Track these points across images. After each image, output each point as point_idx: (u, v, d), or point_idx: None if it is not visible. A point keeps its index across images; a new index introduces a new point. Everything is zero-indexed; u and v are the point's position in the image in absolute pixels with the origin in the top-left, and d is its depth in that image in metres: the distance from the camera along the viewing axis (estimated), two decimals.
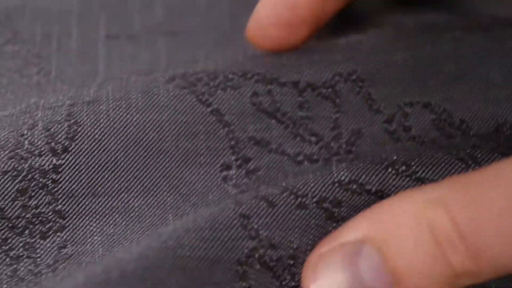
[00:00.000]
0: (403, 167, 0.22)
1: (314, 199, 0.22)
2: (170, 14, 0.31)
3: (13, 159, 0.22)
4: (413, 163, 0.22)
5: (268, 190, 0.22)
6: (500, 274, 0.18)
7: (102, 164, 0.23)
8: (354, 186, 0.22)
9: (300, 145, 0.24)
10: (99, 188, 0.23)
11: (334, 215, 0.22)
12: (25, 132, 0.22)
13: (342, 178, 0.22)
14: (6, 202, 0.22)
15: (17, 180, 0.22)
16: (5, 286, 0.22)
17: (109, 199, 0.23)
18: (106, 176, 0.23)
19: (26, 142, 0.22)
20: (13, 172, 0.22)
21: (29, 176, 0.22)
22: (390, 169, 0.22)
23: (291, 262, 0.21)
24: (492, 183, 0.18)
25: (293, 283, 0.21)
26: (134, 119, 0.23)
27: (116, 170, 0.23)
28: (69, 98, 0.23)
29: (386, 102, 0.25)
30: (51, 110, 0.22)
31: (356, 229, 0.19)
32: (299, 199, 0.22)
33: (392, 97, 0.25)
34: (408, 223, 0.18)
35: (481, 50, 0.26)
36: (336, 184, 0.22)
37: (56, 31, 0.28)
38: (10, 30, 0.29)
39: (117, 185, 0.23)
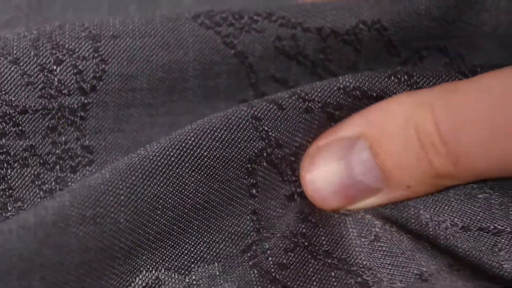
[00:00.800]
0: (405, 77, 0.23)
1: (319, 104, 0.23)
2: None
3: (44, 98, 0.23)
4: (415, 74, 0.23)
5: (278, 94, 0.23)
6: (477, 179, 0.19)
7: (128, 101, 0.24)
8: (357, 92, 0.23)
9: (316, 81, 0.25)
10: (125, 124, 0.24)
11: (335, 118, 0.23)
12: (54, 67, 0.23)
13: (347, 84, 0.23)
14: (37, 139, 0.23)
15: (47, 118, 0.24)
16: None
17: (134, 134, 0.24)
18: (131, 113, 0.24)
19: (56, 80, 0.23)
20: (43, 111, 0.23)
21: (59, 114, 0.24)
22: (392, 78, 0.23)
23: (293, 159, 0.23)
24: (477, 94, 0.19)
25: (293, 178, 0.23)
26: (160, 58, 0.24)
27: (142, 107, 0.24)
28: (95, 27, 0.24)
29: (405, 47, 0.26)
30: (77, 40, 0.24)
31: (352, 126, 0.21)
32: (306, 103, 0.23)
33: (412, 42, 0.26)
34: (398, 124, 0.20)
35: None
36: (341, 90, 0.23)
37: (86, 19, 0.30)
38: (41, 16, 0.31)
39: (142, 120, 0.24)
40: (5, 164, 0.23)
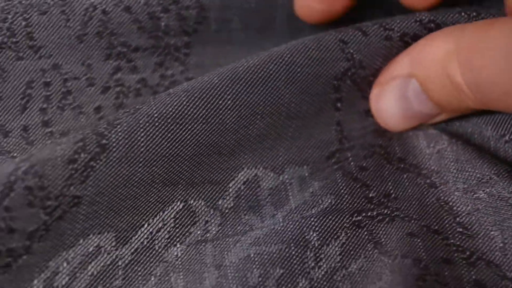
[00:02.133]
0: (474, 13, 0.25)
1: (398, 33, 0.26)
2: None
3: (152, 39, 0.27)
4: (482, 12, 0.25)
5: (362, 23, 0.25)
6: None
7: (225, 40, 0.28)
8: (432, 25, 0.25)
9: None
10: (222, 59, 0.28)
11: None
12: (161, 15, 0.27)
13: (423, 18, 0.26)
14: (148, 73, 0.27)
15: (155, 55, 0.27)
16: None
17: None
18: (228, 49, 0.28)
19: (162, 25, 0.27)
20: (152, 49, 0.27)
21: (166, 51, 0.27)
22: (463, 14, 0.25)
23: (372, 79, 0.26)
24: (494, 32, 0.21)
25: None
26: (252, 5, 0.28)
27: (236, 44, 0.28)
28: None
29: None
30: None
31: (402, 66, 0.24)
32: (387, 32, 0.26)
33: None
34: (436, 71, 0.23)
35: None
36: (418, 23, 0.25)
37: None
38: None
39: (237, 56, 0.28)
40: (121, 95, 0.27)
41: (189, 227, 0.24)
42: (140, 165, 0.23)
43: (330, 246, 0.23)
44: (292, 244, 0.23)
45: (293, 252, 0.23)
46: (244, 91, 0.24)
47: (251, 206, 0.25)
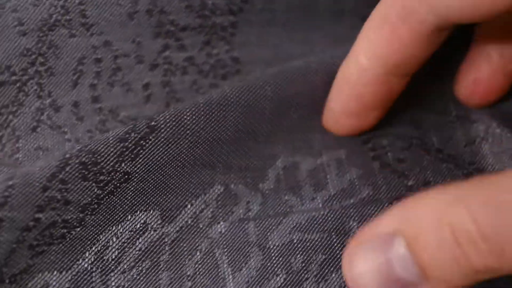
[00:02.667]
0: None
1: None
2: None
3: (200, 18, 0.28)
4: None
5: None
6: None
7: (269, 20, 0.28)
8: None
9: None
10: (266, 39, 0.28)
11: None
12: None
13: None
14: (195, 51, 0.28)
15: (202, 34, 0.28)
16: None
17: (274, 48, 0.28)
18: (272, 30, 0.28)
19: (210, 3, 0.28)
20: (199, 28, 0.28)
21: (212, 30, 0.28)
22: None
23: None
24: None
25: None
26: None
27: (280, 25, 0.28)
28: None
29: None
30: None
31: (388, 223, 0.21)
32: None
33: None
34: (431, 223, 0.19)
35: None
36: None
37: None
38: None
39: (280, 36, 0.28)
40: (169, 72, 0.27)
41: (231, 207, 0.25)
42: (185, 146, 0.24)
43: None
44: (333, 233, 0.24)
45: (335, 240, 0.24)
46: (283, 83, 0.25)
47: (291, 187, 0.25)
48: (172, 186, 0.24)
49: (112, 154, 0.23)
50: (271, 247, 0.24)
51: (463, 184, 0.19)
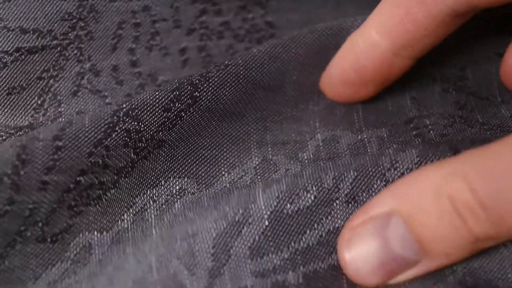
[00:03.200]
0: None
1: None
2: None
3: None
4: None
5: None
6: None
7: None
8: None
9: None
10: (301, 5, 0.29)
11: None
12: None
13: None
14: (230, 16, 0.28)
15: None
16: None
17: (307, 13, 0.29)
18: None
19: None
20: None
21: None
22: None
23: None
24: (509, 153, 0.19)
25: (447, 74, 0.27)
26: None
27: None
28: None
29: None
30: None
31: (383, 203, 0.21)
32: None
33: None
34: (430, 196, 0.20)
35: None
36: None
37: None
38: None
39: (314, 1, 0.29)
40: (204, 37, 0.28)
41: (270, 174, 0.25)
42: (220, 119, 0.25)
43: (407, 151, 0.23)
44: (367, 155, 0.23)
45: (368, 160, 0.23)
46: (308, 70, 0.26)
47: (330, 157, 0.25)
48: (207, 156, 0.25)
49: (155, 123, 0.24)
50: (304, 159, 0.24)
51: (460, 157, 0.20)
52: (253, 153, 0.26)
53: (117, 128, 0.23)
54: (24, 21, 0.27)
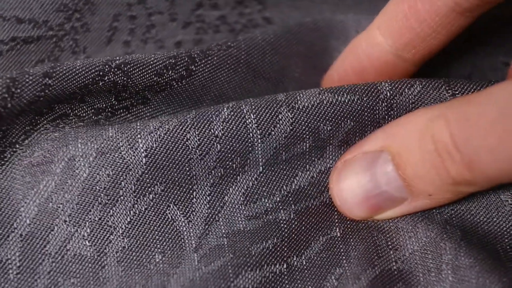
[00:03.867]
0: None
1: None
2: None
3: None
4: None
5: None
6: (494, 184, 0.20)
7: None
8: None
9: None
10: (299, 2, 0.28)
11: None
12: None
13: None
14: (227, 10, 0.28)
15: None
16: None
17: (306, 9, 0.28)
18: None
19: None
20: None
21: None
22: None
23: None
24: (487, 104, 0.19)
25: None
26: None
27: None
28: None
29: None
30: None
31: (375, 141, 0.22)
32: None
33: None
34: (416, 136, 0.20)
35: None
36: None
37: None
38: None
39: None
40: (201, 30, 0.28)
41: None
42: (214, 99, 0.25)
43: (404, 94, 0.23)
44: (364, 95, 0.23)
45: (365, 104, 0.22)
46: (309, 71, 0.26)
47: None
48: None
49: (142, 83, 0.24)
50: (301, 107, 0.22)
51: (448, 102, 0.21)
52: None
53: (105, 78, 0.23)
54: (20, 11, 0.27)
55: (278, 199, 0.22)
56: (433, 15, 0.23)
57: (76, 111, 0.24)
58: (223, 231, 0.22)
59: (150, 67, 0.23)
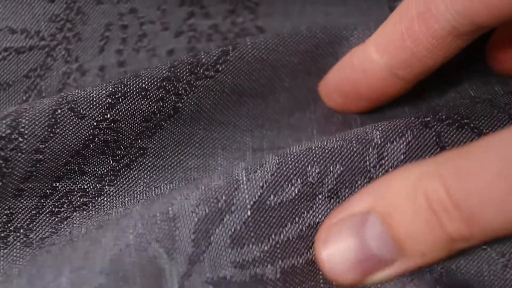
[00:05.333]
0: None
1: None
2: None
3: None
4: None
5: None
6: (492, 238, 0.19)
7: None
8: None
9: None
10: (291, 9, 0.28)
11: None
12: None
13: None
14: (219, 19, 0.28)
15: (227, 2, 0.28)
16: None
17: (298, 17, 0.28)
18: (300, 0, 0.28)
19: None
20: None
21: None
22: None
23: None
24: (486, 157, 0.19)
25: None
26: None
27: (301, 1, 0.28)
28: None
29: None
30: None
31: (361, 202, 0.21)
32: None
33: None
34: (407, 195, 0.20)
35: None
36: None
37: None
38: None
39: (304, 7, 0.28)
40: (193, 39, 0.28)
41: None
42: (206, 127, 0.25)
43: (395, 143, 0.22)
44: (354, 141, 0.22)
45: (355, 149, 0.22)
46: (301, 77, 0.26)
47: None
48: (199, 165, 0.25)
49: (133, 133, 0.24)
50: (288, 153, 0.22)
51: (437, 157, 0.20)
52: (247, 158, 0.25)
53: (96, 140, 0.23)
54: (12, 21, 0.27)
55: (266, 248, 0.21)
56: (429, 37, 0.22)
57: (80, 185, 0.24)
58: (208, 275, 0.21)
59: (138, 115, 0.24)
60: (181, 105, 0.24)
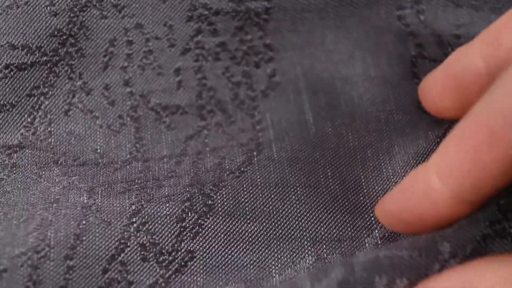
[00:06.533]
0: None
1: None
2: None
3: (233, 2, 0.27)
4: None
5: None
6: None
7: (303, 7, 0.28)
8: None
9: None
10: (300, 26, 0.27)
11: None
12: None
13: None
14: (227, 37, 0.27)
15: (236, 19, 0.27)
16: (229, 106, 0.26)
17: (307, 34, 0.27)
18: (305, 16, 0.28)
19: None
20: (233, 13, 0.27)
21: (246, 16, 0.27)
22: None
23: None
24: None
25: None
26: None
27: (314, 11, 0.28)
28: None
29: None
30: None
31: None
32: None
33: None
34: None
35: None
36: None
37: None
38: None
39: (314, 23, 0.28)
40: (200, 57, 0.27)
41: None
42: (247, 221, 0.24)
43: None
44: (422, 252, 0.21)
45: (423, 263, 0.21)
46: (345, 167, 0.25)
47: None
48: (255, 260, 0.24)
49: (170, 234, 0.24)
50: (355, 263, 0.21)
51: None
52: (306, 251, 0.24)
53: (129, 244, 0.23)
54: (13, 37, 0.26)
55: None
56: (499, 165, 0.20)
57: None
58: None
59: (169, 217, 0.24)
60: (212, 203, 0.24)
